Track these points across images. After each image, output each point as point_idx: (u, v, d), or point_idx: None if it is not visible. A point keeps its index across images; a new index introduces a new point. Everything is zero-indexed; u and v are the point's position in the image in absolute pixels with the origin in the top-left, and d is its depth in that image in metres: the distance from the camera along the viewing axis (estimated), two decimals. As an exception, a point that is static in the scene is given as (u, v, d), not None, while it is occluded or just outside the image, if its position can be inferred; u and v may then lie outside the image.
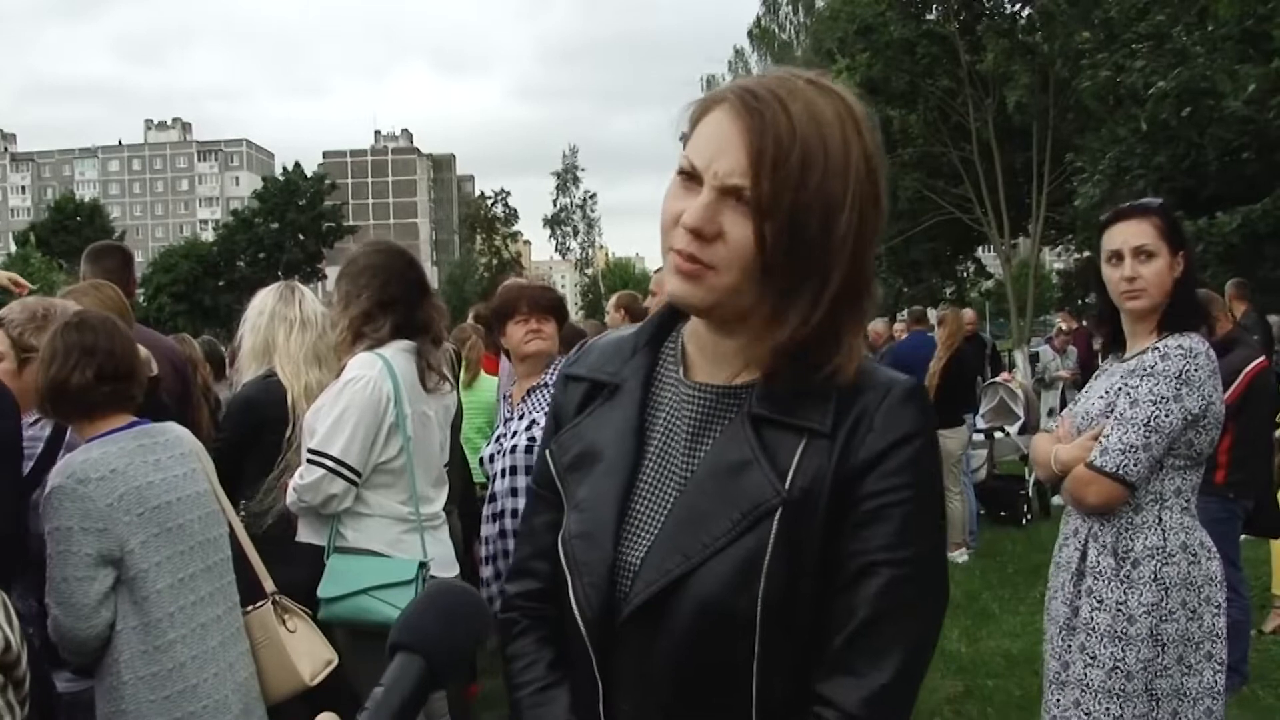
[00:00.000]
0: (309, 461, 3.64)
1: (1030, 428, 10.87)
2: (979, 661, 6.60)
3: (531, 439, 4.14)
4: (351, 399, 3.62)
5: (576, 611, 1.49)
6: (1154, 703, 3.04)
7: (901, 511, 1.38)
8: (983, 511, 10.55)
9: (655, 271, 6.49)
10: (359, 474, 3.64)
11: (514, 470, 4.18)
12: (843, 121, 1.37)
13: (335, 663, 3.42)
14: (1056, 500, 9.20)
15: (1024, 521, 10.79)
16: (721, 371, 1.51)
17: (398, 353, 3.72)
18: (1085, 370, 12.39)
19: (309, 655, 3.34)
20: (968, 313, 13.30)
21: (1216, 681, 3.08)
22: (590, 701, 1.51)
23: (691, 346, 1.55)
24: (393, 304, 3.74)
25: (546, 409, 4.14)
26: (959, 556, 9.26)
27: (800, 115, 1.34)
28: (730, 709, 1.41)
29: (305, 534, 3.81)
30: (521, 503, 4.07)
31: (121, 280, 4.86)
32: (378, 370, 3.65)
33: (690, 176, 1.40)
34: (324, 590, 3.61)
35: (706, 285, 1.38)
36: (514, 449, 4.18)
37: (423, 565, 3.67)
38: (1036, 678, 6.05)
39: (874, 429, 1.39)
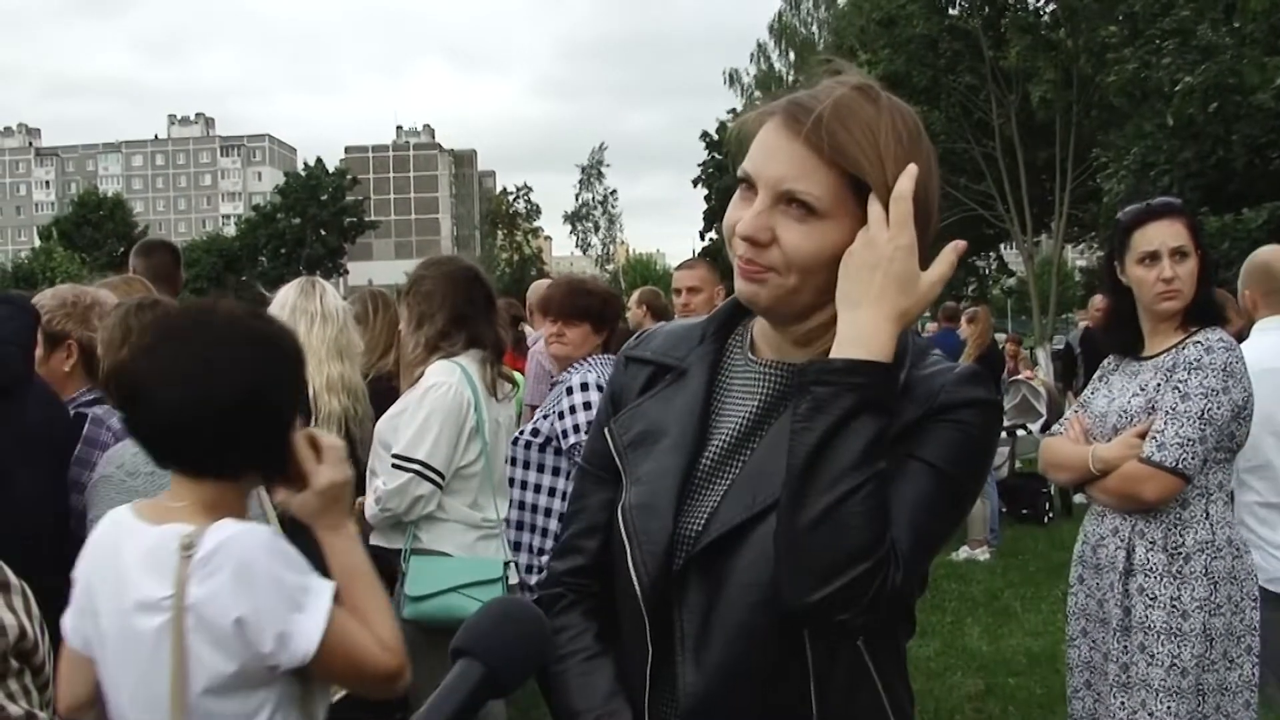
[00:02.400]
0: (395, 467, 3.70)
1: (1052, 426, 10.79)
2: (1000, 660, 6.58)
3: (520, 432, 4.29)
4: (435, 404, 3.71)
5: (634, 577, 1.53)
6: (1200, 698, 3.04)
7: (953, 437, 1.46)
8: (1004, 510, 10.50)
9: (676, 269, 6.47)
10: (443, 477, 3.72)
11: (512, 462, 4.28)
12: (893, 123, 1.45)
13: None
14: (1079, 499, 9.17)
15: (1046, 520, 10.74)
16: (792, 355, 1.56)
17: (472, 361, 3.83)
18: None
19: None
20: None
21: (1254, 675, 3.09)
22: (640, 669, 1.55)
23: (760, 336, 1.61)
24: (465, 321, 3.85)
25: (555, 406, 4.20)
26: (981, 555, 9.22)
27: (847, 120, 1.42)
28: (788, 667, 1.46)
29: (373, 537, 3.85)
30: (520, 494, 4.24)
31: (171, 277, 4.92)
32: (457, 377, 3.76)
33: (749, 186, 1.48)
34: (411, 589, 3.69)
35: (769, 286, 1.47)
36: (514, 442, 4.25)
37: (507, 564, 3.80)
38: (1058, 676, 6.02)
39: (941, 394, 1.47)
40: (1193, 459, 3.02)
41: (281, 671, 1.81)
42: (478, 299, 3.91)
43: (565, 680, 1.63)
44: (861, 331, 1.40)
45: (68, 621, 1.98)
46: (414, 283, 3.95)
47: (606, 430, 1.66)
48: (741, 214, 1.47)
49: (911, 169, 1.42)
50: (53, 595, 2.81)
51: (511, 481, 4.22)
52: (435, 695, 1.14)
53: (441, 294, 3.86)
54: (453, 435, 3.73)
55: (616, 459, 1.62)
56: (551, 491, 4.24)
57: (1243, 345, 5.88)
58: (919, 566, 1.44)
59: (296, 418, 1.97)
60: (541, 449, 4.25)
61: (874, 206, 1.42)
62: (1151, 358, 3.24)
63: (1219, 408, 3.03)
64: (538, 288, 7.12)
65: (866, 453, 1.35)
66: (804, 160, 1.42)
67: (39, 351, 3.23)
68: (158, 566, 1.82)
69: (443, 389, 3.72)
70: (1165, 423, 3.07)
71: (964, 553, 9.20)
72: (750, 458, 1.53)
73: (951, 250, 1.47)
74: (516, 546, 4.30)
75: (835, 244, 1.44)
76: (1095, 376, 3.47)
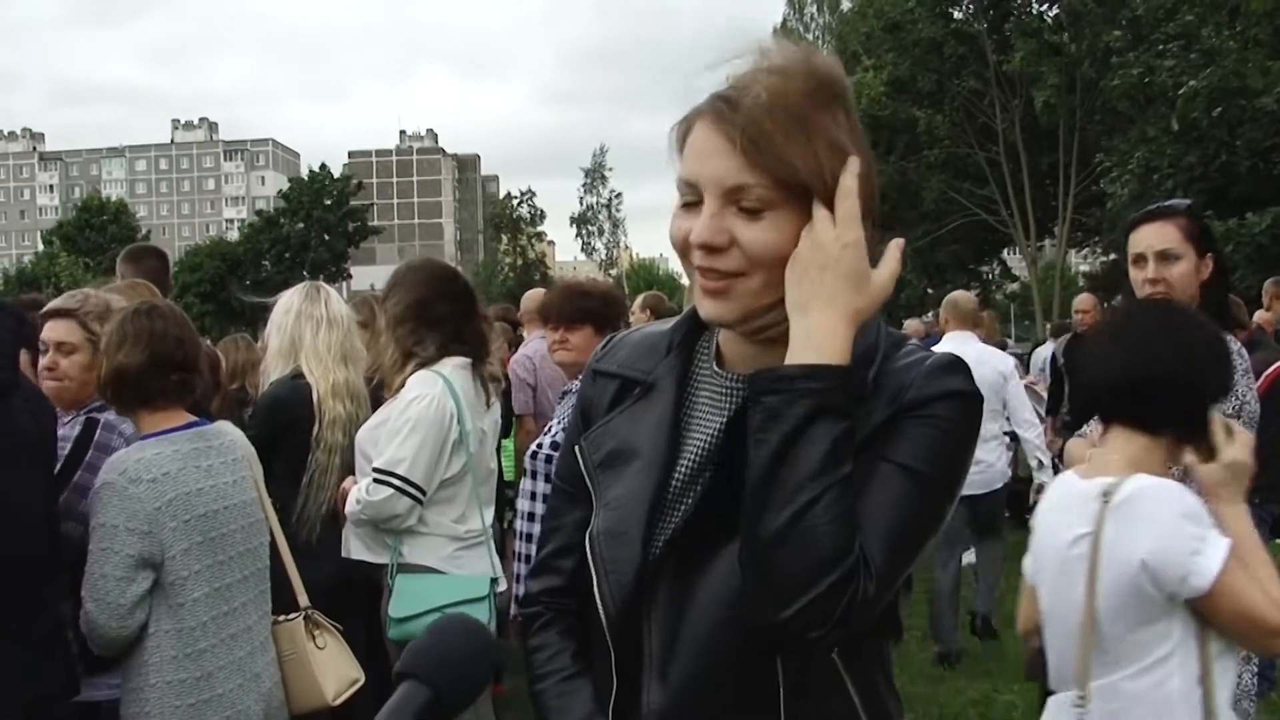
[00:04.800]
0: (376, 480, 3.66)
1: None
2: (1005, 664, 6.55)
3: (540, 445, 4.16)
4: (418, 417, 3.65)
5: (600, 608, 1.50)
6: None
7: (926, 434, 1.39)
8: (1007, 514, 10.44)
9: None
10: (424, 492, 3.67)
11: (533, 475, 4.21)
12: (817, 94, 1.39)
13: (361, 683, 3.43)
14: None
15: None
16: (757, 364, 1.48)
17: (455, 370, 3.76)
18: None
19: (335, 674, 3.34)
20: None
21: (1252, 684, 3.06)
22: (605, 697, 1.53)
23: (726, 344, 1.55)
24: (438, 322, 3.77)
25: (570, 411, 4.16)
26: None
27: (772, 102, 1.36)
28: (756, 681, 1.42)
29: (356, 551, 3.82)
30: (530, 505, 4.13)
31: (160, 283, 4.92)
32: (439, 388, 3.69)
33: (690, 198, 1.43)
34: (395, 610, 3.64)
35: (736, 295, 1.41)
36: (532, 455, 4.20)
37: (493, 581, 3.74)
38: (1063, 682, 6.03)
39: (913, 385, 1.41)
40: None
41: (1180, 602, 2.19)
42: (456, 299, 3.85)
43: (543, 701, 1.61)
44: (814, 335, 1.35)
45: (1027, 560, 2.58)
46: (390, 287, 3.89)
47: (577, 449, 1.61)
48: (687, 224, 1.41)
49: (853, 163, 1.37)
50: (42, 602, 2.83)
51: (532, 495, 4.16)
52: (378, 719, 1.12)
53: (416, 296, 3.80)
54: (435, 449, 3.67)
55: (587, 479, 1.58)
56: None
57: (939, 344, 6.30)
58: (896, 573, 1.37)
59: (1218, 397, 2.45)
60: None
61: (818, 210, 1.37)
62: None
63: None
64: (532, 296, 7.05)
65: (827, 460, 1.30)
66: (740, 155, 1.36)
67: (85, 358, 3.22)
68: (1083, 510, 2.30)
69: (425, 401, 3.66)
70: None
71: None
72: (716, 472, 1.48)
73: (896, 247, 1.43)
74: (528, 559, 4.25)
75: (794, 234, 1.38)
76: None
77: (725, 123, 1.37)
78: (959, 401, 1.42)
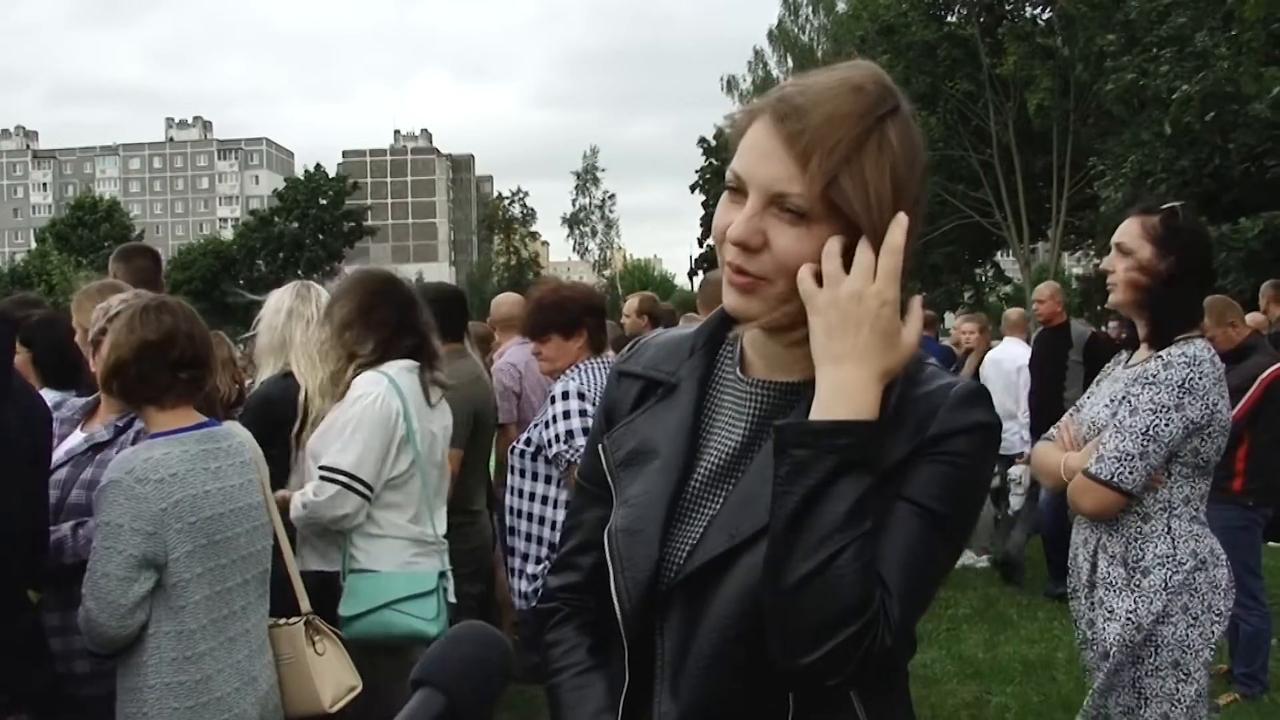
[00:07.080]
0: (321, 479, 3.64)
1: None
2: (997, 667, 6.57)
3: (517, 441, 4.37)
4: (362, 415, 3.65)
5: (616, 603, 1.51)
6: (1142, 702, 3.04)
7: (946, 474, 1.40)
8: (1000, 517, 10.48)
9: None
10: (371, 489, 3.66)
11: (518, 472, 4.34)
12: (880, 117, 1.37)
13: (359, 690, 3.40)
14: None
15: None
16: (781, 372, 1.52)
17: (401, 371, 3.79)
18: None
19: (332, 680, 3.31)
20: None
21: (1204, 686, 3.09)
22: (619, 694, 1.53)
23: (750, 348, 1.56)
24: (379, 325, 3.82)
25: (543, 415, 4.29)
26: (979, 562, 9.21)
27: (836, 117, 1.35)
28: (766, 698, 1.42)
29: (311, 561, 3.76)
30: (517, 501, 4.31)
31: (152, 282, 4.93)
32: (384, 387, 3.71)
33: (736, 190, 1.42)
34: (346, 609, 3.61)
35: (760, 296, 1.42)
36: (512, 451, 4.28)
37: (442, 575, 3.74)
38: (1054, 684, 6.05)
39: (936, 419, 1.41)
40: (1131, 474, 3.00)
41: None
42: (397, 304, 3.88)
43: (558, 695, 1.62)
44: (845, 389, 1.35)
45: None
46: (335, 297, 3.95)
47: (600, 448, 1.62)
48: (731, 217, 1.41)
49: (901, 219, 1.37)
50: (22, 605, 2.82)
51: (519, 492, 4.27)
52: None
53: (359, 302, 3.84)
54: (381, 447, 3.67)
55: (608, 477, 1.59)
56: (544, 499, 4.26)
57: (995, 349, 6.95)
58: (912, 620, 1.38)
59: None
60: (534, 458, 4.29)
61: (864, 253, 1.37)
62: (1131, 366, 3.24)
63: (1167, 424, 2.99)
64: (500, 302, 6.98)
65: (850, 515, 1.31)
66: (794, 163, 1.35)
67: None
68: None
69: (369, 399, 3.67)
70: (1109, 436, 3.07)
71: (967, 557, 9.17)
72: (737, 484, 1.49)
73: (917, 305, 1.43)
74: (511, 552, 4.36)
75: None
76: (1094, 381, 3.46)
77: (786, 126, 1.36)
78: (981, 435, 1.43)
